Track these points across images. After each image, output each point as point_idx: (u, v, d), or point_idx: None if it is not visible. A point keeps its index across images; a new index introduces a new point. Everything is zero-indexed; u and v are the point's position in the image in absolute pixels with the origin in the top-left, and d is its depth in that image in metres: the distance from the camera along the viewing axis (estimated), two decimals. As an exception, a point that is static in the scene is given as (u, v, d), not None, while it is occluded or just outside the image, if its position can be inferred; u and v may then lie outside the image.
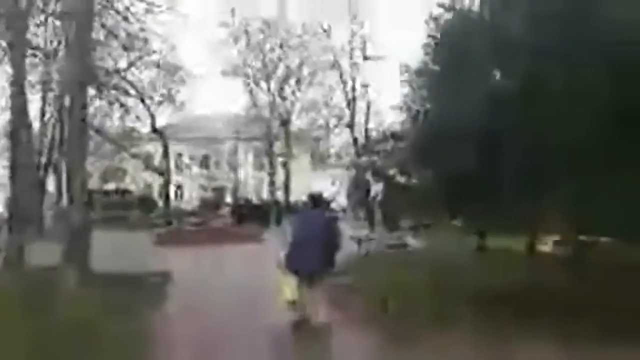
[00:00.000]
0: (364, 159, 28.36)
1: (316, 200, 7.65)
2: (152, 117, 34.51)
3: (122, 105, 31.19)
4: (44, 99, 26.92)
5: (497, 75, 8.57)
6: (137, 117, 32.41)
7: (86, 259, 10.47)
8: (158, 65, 32.63)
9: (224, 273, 12.43)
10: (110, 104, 29.85)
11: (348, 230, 18.68)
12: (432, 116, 9.20)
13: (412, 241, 14.45)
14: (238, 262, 14.34)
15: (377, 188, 28.63)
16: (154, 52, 28.98)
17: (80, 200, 10.54)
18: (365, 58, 34.20)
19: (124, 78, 31.59)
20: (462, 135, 8.05)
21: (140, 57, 28.88)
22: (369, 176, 24.19)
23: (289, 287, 6.95)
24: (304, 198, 29.11)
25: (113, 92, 29.82)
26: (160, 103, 34.51)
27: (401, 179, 11.49)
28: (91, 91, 27.18)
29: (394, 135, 11.92)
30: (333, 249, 7.09)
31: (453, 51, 8.50)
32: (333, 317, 7.30)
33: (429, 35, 9.59)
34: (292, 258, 6.89)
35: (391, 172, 12.27)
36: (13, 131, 11.65)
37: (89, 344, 5.90)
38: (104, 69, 27.28)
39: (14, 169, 11.85)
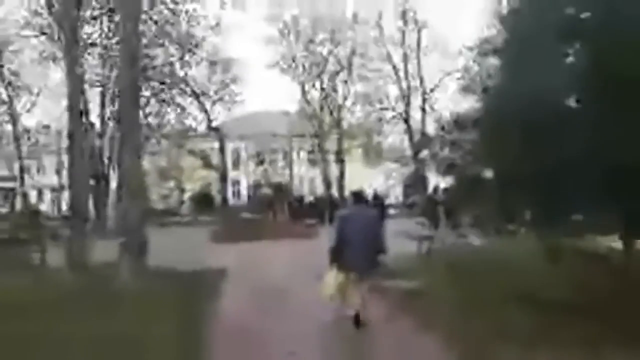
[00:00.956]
0: (425, 152, 27.53)
1: (358, 197, 7.72)
2: (207, 114, 35.10)
3: (178, 105, 31.86)
4: (102, 97, 27.63)
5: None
6: (191, 116, 32.58)
7: (143, 256, 10.47)
8: (213, 63, 33.11)
9: (277, 270, 12.15)
10: (164, 102, 30.25)
11: (405, 226, 18.17)
12: (506, 100, 8.46)
13: (477, 241, 13.62)
14: (292, 259, 14.08)
15: (441, 182, 27.80)
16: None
17: (135, 197, 10.50)
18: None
19: (177, 75, 32.13)
20: (545, 121, 7.46)
21: (191, 52, 28.92)
22: (431, 170, 23.39)
23: (332, 281, 7.08)
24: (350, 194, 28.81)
25: (168, 90, 30.41)
26: (215, 102, 35.09)
27: (473, 172, 10.73)
28: (146, 92, 28.12)
29: (462, 123, 11.06)
30: (377, 248, 7.15)
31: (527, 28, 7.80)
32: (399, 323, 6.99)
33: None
34: (336, 254, 7.08)
35: (461, 163, 11.43)
36: (71, 131, 11.76)
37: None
38: (158, 66, 27.82)
39: (72, 169, 12.00)
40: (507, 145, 9.27)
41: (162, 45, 27.55)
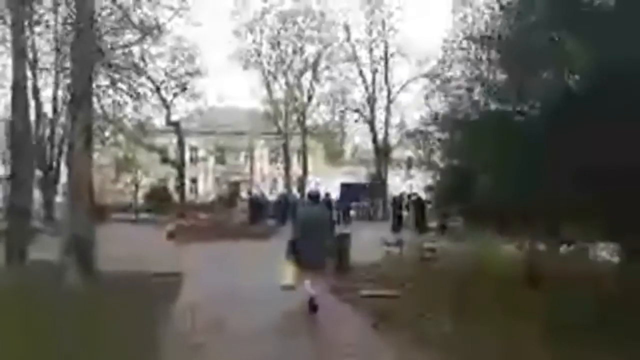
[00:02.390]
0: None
1: (313, 197, 8.57)
2: (167, 108, 33.84)
3: (137, 95, 30.57)
4: (55, 86, 26.20)
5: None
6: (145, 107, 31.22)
7: (88, 255, 9.62)
8: (174, 58, 32.00)
9: (234, 274, 11.43)
10: (122, 90, 28.90)
11: (371, 231, 17.78)
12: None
13: (448, 245, 13.31)
14: (250, 259, 13.35)
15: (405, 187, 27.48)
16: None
17: (82, 191, 9.62)
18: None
19: (135, 65, 30.88)
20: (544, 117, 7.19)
21: (152, 35, 27.64)
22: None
23: (289, 273, 7.67)
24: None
25: (127, 79, 29.10)
26: (175, 95, 33.89)
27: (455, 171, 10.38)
28: (104, 81, 26.79)
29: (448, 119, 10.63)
30: (327, 242, 7.97)
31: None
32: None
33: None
34: (294, 249, 7.74)
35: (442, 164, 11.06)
36: (12, 122, 10.77)
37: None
38: (117, 53, 26.54)
39: (15, 159, 10.97)
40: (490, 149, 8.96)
41: (122, 32, 26.32)
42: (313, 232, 7.61)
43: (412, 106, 33.10)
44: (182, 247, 16.21)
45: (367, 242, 14.29)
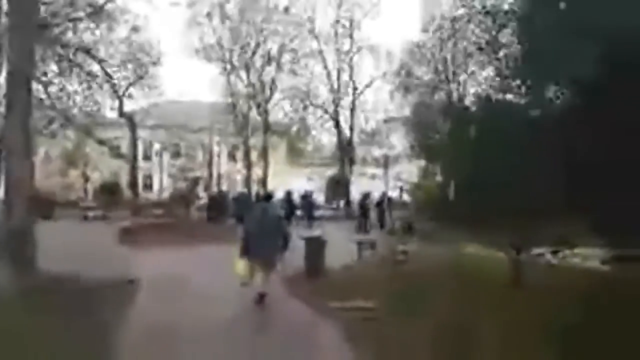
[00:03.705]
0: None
1: (265, 196, 9.47)
2: (120, 100, 32.11)
3: (89, 85, 28.84)
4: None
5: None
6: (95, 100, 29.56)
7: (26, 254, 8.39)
8: (130, 45, 30.34)
9: (193, 282, 10.31)
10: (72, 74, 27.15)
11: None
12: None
13: (420, 247, 12.69)
14: (209, 262, 12.13)
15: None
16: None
17: (21, 186, 8.37)
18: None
19: (88, 52, 29.15)
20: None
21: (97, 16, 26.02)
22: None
23: (242, 268, 8.05)
24: (279, 193, 27.37)
25: (77, 68, 27.40)
26: (130, 85, 32.20)
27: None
28: (53, 67, 25.02)
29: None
30: (280, 240, 8.18)
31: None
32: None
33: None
34: (246, 246, 8.03)
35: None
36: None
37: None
38: (66, 43, 24.87)
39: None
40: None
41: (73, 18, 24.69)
42: (265, 230, 7.89)
43: (378, 104, 32.72)
44: (135, 248, 14.83)
45: (337, 242, 13.42)
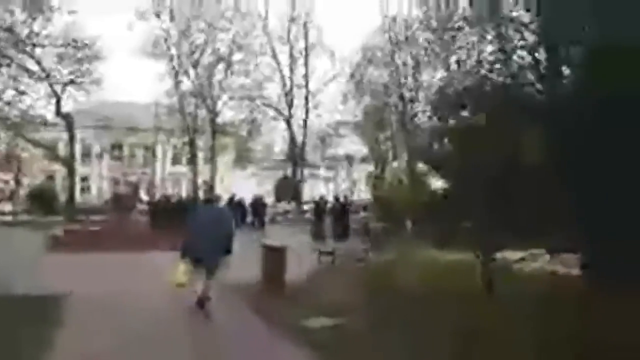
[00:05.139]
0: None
1: (208, 200, 9.77)
2: (58, 98, 29.98)
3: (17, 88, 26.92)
4: None
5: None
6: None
7: None
8: (67, 44, 28.46)
9: (135, 299, 9.10)
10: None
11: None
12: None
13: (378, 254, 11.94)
14: (149, 272, 10.81)
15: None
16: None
17: None
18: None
19: (24, 50, 27.23)
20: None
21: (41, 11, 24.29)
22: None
23: (182, 272, 7.62)
24: (227, 196, 26.19)
25: (7, 66, 25.46)
26: (67, 84, 30.16)
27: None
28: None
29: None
30: (224, 245, 7.81)
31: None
32: None
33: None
34: (188, 248, 7.78)
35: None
36: None
37: None
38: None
39: None
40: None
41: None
42: (207, 233, 7.64)
43: (331, 106, 32.09)
44: (69, 258, 13.32)
45: (294, 249, 12.48)
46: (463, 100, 9.18)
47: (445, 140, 9.92)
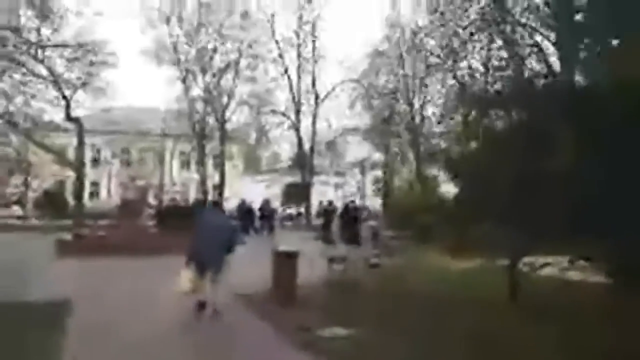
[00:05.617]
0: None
1: (215, 205, 10.41)
2: (67, 103, 29.99)
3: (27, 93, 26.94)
4: None
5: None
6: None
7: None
8: (78, 46, 28.49)
9: (140, 297, 8.96)
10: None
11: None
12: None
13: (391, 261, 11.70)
14: (159, 279, 10.57)
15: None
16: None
17: None
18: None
19: (34, 57, 27.29)
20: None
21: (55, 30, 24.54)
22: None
23: (188, 278, 7.60)
24: (235, 201, 25.97)
25: (17, 68, 25.49)
26: (77, 89, 30.19)
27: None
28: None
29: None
30: (228, 249, 7.86)
31: None
32: None
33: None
34: (194, 253, 7.75)
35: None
36: None
37: None
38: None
39: None
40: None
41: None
42: (213, 238, 7.63)
43: (339, 113, 31.92)
44: (77, 263, 13.20)
45: (303, 255, 12.26)
46: (493, 100, 8.96)
47: (467, 142, 9.69)
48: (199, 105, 33.03)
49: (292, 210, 35.33)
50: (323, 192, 37.77)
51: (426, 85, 29.33)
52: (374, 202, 34.51)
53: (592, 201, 6.93)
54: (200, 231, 7.92)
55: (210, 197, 32.23)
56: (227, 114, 33.12)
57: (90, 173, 36.47)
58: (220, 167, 33.54)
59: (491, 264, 9.07)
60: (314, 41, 31.84)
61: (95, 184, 40.40)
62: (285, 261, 8.61)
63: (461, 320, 7.13)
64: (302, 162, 33.07)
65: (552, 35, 17.71)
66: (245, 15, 32.00)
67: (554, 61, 17.12)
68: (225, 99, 32.87)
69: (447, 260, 12.90)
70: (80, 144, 31.55)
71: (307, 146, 33.09)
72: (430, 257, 13.86)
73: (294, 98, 32.34)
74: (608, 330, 6.40)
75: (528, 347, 6.07)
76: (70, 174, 33.50)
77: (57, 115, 31.40)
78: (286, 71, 32.22)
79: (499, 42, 21.95)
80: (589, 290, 8.65)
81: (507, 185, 7.81)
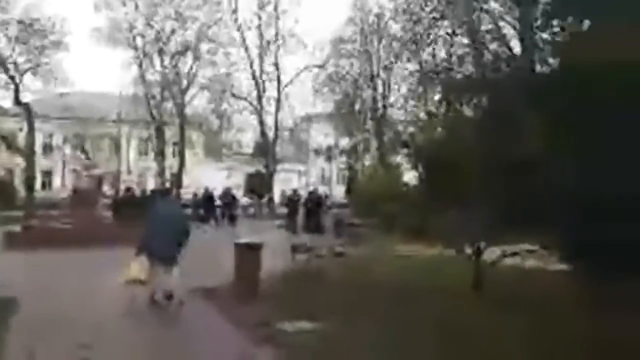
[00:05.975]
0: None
1: (164, 193, 10.65)
2: (16, 87, 28.54)
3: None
4: None
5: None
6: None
7: None
8: (24, 24, 27.05)
9: (88, 291, 8.39)
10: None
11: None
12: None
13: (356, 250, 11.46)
14: (110, 271, 9.92)
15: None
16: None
17: None
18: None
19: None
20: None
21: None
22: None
23: (137, 267, 7.50)
24: (194, 190, 25.22)
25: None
26: (25, 72, 28.79)
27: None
28: None
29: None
30: (180, 239, 7.65)
31: None
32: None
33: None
34: (145, 243, 7.60)
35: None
36: None
37: None
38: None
39: None
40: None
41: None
42: (164, 228, 7.45)
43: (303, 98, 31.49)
44: (24, 257, 12.39)
45: (267, 245, 11.86)
46: (470, 86, 8.81)
47: (431, 129, 9.52)
48: (156, 90, 31.99)
49: (253, 201, 34.81)
50: (287, 180, 37.35)
51: (391, 69, 29.25)
52: (341, 190, 34.34)
53: (553, 188, 6.89)
54: (151, 221, 7.75)
55: (167, 185, 31.38)
56: (187, 98, 32.21)
57: (42, 161, 34.95)
58: (180, 154, 32.64)
59: (455, 252, 8.99)
60: (276, 23, 31.12)
61: (47, 173, 38.78)
62: (248, 253, 8.18)
63: (427, 311, 6.98)
64: (265, 149, 32.50)
65: (515, 22, 17.78)
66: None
67: (516, 44, 17.23)
68: (184, 83, 31.94)
69: (411, 248, 12.79)
70: (31, 130, 30.16)
71: (270, 133, 32.54)
72: (395, 245, 13.70)
73: (256, 83, 31.63)
74: (573, 316, 6.44)
75: (495, 336, 5.95)
76: (20, 162, 32.04)
77: (5, 101, 30.06)
78: (248, 55, 31.46)
79: (463, 28, 22.04)
80: (549, 278, 8.75)
81: (470, 173, 7.71)
